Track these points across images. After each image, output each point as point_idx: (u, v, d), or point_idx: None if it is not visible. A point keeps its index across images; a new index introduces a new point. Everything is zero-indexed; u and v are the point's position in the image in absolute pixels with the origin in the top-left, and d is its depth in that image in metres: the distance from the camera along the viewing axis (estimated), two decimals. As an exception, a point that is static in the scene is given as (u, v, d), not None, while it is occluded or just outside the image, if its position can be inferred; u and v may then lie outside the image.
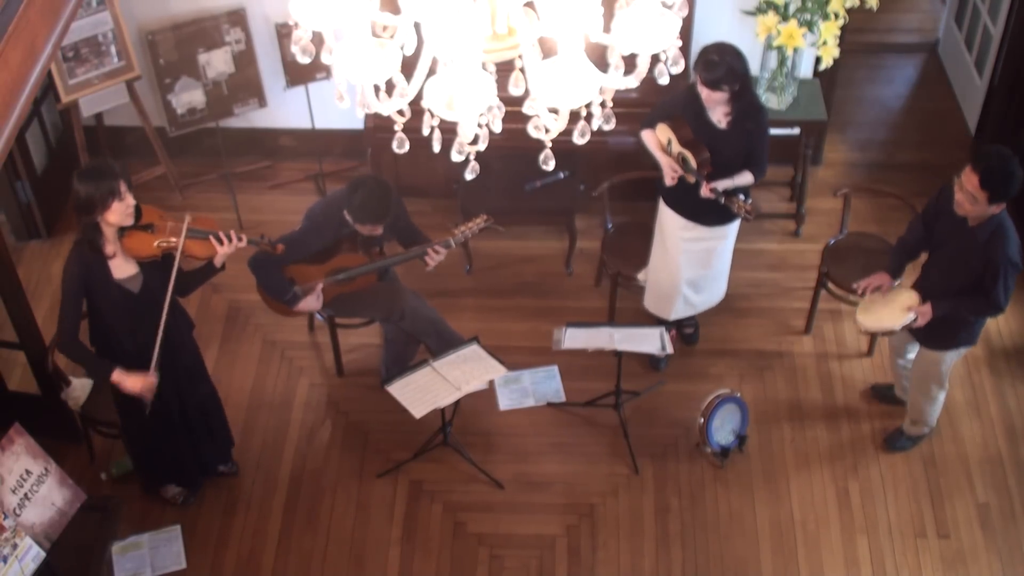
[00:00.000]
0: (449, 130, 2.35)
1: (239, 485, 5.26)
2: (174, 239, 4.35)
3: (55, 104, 6.09)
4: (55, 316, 4.43)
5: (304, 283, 5.09)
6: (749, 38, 5.60)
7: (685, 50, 5.53)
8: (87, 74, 5.86)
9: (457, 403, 5.08)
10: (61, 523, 4.43)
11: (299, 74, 6.11)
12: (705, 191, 4.86)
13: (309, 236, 5.03)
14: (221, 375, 5.63)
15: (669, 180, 4.98)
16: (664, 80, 2.37)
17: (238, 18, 6.01)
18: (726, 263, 5.46)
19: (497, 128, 2.43)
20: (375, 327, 5.66)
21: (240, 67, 6.11)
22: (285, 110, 6.46)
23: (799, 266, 6.15)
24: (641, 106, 5.47)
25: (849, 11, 5.51)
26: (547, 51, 2.30)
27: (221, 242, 4.45)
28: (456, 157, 2.44)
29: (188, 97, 6.06)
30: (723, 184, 4.88)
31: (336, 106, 2.49)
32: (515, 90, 2.30)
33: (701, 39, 5.12)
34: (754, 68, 5.47)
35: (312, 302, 5.10)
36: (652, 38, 2.28)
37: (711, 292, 5.53)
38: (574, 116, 2.36)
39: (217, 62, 6.05)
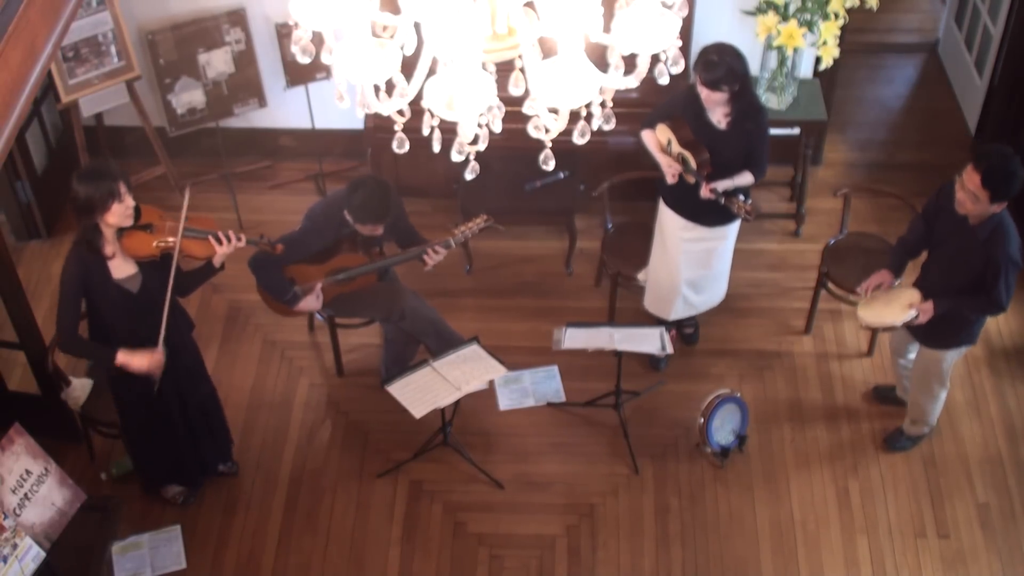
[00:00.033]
0: (449, 130, 2.35)
1: (239, 485, 5.26)
2: (172, 239, 4.35)
3: (55, 104, 6.09)
4: (55, 316, 4.42)
5: (304, 283, 5.09)
6: (749, 38, 5.60)
7: (685, 50, 5.53)
8: (87, 74, 5.86)
9: (457, 403, 5.08)
10: (61, 523, 4.43)
11: (299, 74, 6.11)
12: (705, 192, 4.86)
13: (309, 236, 5.03)
14: (221, 375, 5.63)
15: (670, 178, 4.98)
16: (664, 80, 2.37)
17: (238, 18, 6.01)
18: (726, 264, 5.45)
19: (497, 128, 2.43)
20: (375, 327, 5.66)
21: (240, 67, 6.11)
22: (285, 110, 6.46)
23: (799, 266, 6.15)
24: (641, 106, 5.47)
25: (849, 11, 5.51)
26: (547, 51, 2.30)
27: (220, 242, 4.45)
28: (456, 157, 2.44)
29: (188, 97, 6.07)
30: (723, 184, 4.88)
31: (336, 106, 2.49)
32: (515, 90, 2.30)
33: (701, 39, 5.12)
34: (754, 68, 5.48)
35: (312, 302, 5.10)
36: (652, 38, 2.28)
37: (711, 293, 5.53)
38: (574, 116, 2.36)
39: (217, 62, 6.05)
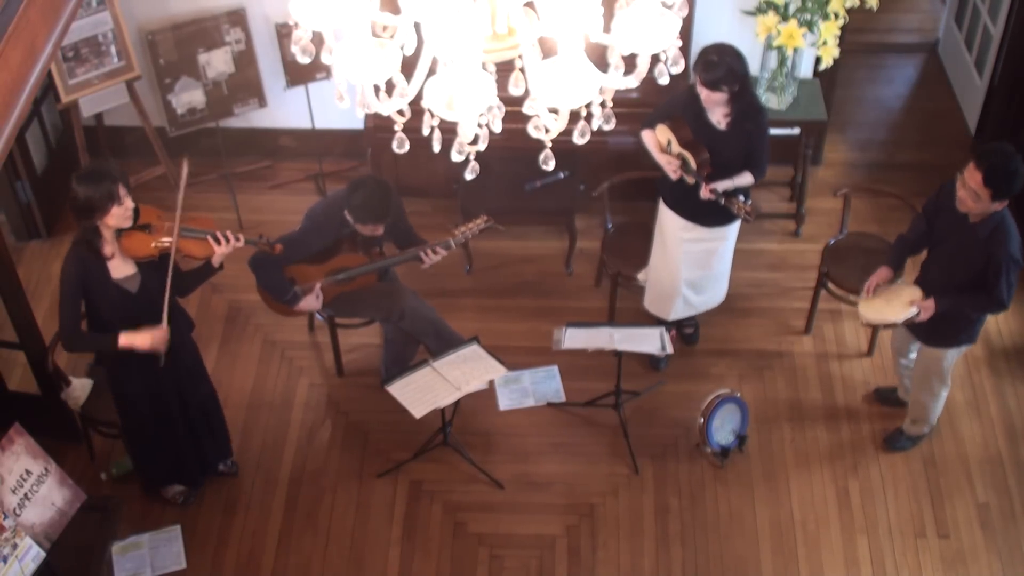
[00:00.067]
0: (449, 130, 2.35)
1: (239, 485, 5.26)
2: (171, 239, 4.35)
3: (55, 104, 6.09)
4: (55, 316, 4.42)
5: (304, 283, 5.09)
6: (749, 38, 5.61)
7: (685, 50, 5.53)
8: (87, 74, 5.86)
9: (457, 403, 5.08)
10: (61, 523, 4.43)
11: (299, 74, 6.11)
12: (705, 192, 4.86)
13: (309, 236, 5.03)
14: (221, 375, 5.63)
15: (672, 174, 4.97)
16: (664, 80, 2.37)
17: (238, 18, 6.01)
18: (727, 264, 5.45)
19: (497, 128, 2.43)
20: (375, 327, 5.66)
21: (240, 67, 6.11)
22: (285, 110, 6.46)
23: (799, 266, 6.15)
24: (641, 106, 5.47)
25: (849, 11, 5.51)
26: (547, 51, 2.29)
27: (219, 242, 4.45)
28: (456, 157, 2.44)
29: (188, 97, 6.07)
30: (723, 185, 4.88)
31: (336, 106, 2.49)
32: (515, 90, 2.30)
33: (701, 39, 5.12)
34: (754, 68, 5.48)
35: (312, 302, 5.11)
36: (652, 38, 2.28)
37: (711, 293, 5.53)
38: (574, 116, 2.36)
39: (217, 62, 6.05)
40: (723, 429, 5.25)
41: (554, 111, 2.35)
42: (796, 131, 6.17)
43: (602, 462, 5.33)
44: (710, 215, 5.08)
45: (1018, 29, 6.25)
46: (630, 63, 2.34)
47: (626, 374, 5.39)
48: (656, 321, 5.56)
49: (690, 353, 5.76)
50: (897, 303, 4.74)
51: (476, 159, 2.49)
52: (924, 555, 4.95)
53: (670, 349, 5.07)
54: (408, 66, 2.31)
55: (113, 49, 5.89)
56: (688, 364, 5.70)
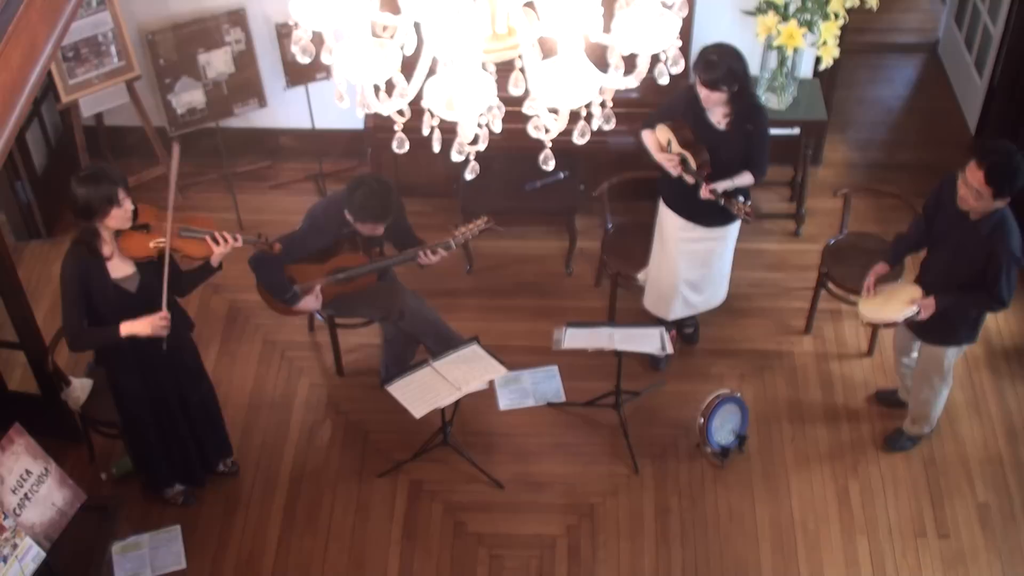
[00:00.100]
0: (449, 130, 2.35)
1: (239, 485, 5.26)
2: (166, 239, 4.36)
3: (55, 104, 6.09)
4: (55, 316, 4.42)
5: (304, 282, 5.09)
6: (749, 38, 5.60)
7: (685, 50, 5.53)
8: (87, 74, 5.86)
9: (457, 403, 5.08)
10: (61, 523, 4.43)
11: (299, 74, 6.11)
12: (704, 192, 4.86)
13: (309, 236, 5.03)
14: (221, 375, 5.64)
15: (674, 172, 4.96)
16: (664, 80, 2.37)
17: (238, 18, 6.01)
18: (727, 264, 5.45)
19: (497, 128, 2.43)
20: (375, 327, 5.66)
21: (240, 67, 6.11)
22: (285, 110, 6.46)
23: (799, 266, 6.15)
24: (641, 106, 5.47)
25: (849, 11, 5.52)
26: (547, 51, 2.29)
27: (217, 242, 4.45)
28: (456, 157, 2.43)
29: (188, 97, 6.07)
30: (722, 185, 4.88)
31: (336, 106, 2.49)
32: (515, 90, 2.30)
33: (701, 39, 5.12)
34: (754, 68, 5.48)
35: (311, 301, 5.11)
36: (652, 38, 2.28)
37: (711, 293, 5.53)
38: (574, 116, 2.36)
39: (217, 62, 6.05)
40: (723, 429, 5.25)
41: (554, 111, 2.35)
42: (796, 131, 6.16)
43: (602, 462, 5.33)
44: (710, 215, 5.08)
45: (1018, 29, 6.25)
46: (630, 63, 2.34)
47: (626, 374, 5.38)
48: (656, 321, 5.56)
49: (690, 353, 5.76)
50: (897, 302, 4.73)
51: (476, 159, 2.49)
52: (924, 555, 4.95)
53: (670, 349, 5.07)
54: (408, 66, 2.30)
55: (113, 49, 5.89)
56: (688, 364, 5.70)
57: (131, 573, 4.92)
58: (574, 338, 5.05)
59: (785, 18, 5.50)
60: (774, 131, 5.18)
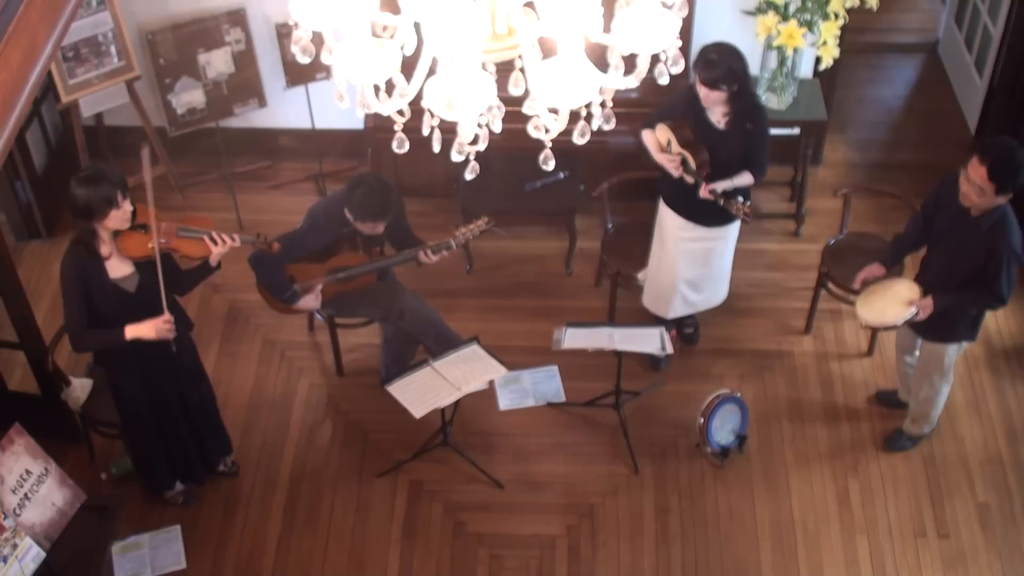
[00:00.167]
0: (449, 130, 2.35)
1: (239, 485, 5.26)
2: (167, 239, 4.36)
3: (55, 104, 6.09)
4: (55, 316, 4.43)
5: (304, 281, 5.09)
6: (749, 38, 5.60)
7: (685, 50, 5.53)
8: (87, 74, 5.86)
9: (457, 403, 5.08)
10: (61, 523, 4.43)
11: (299, 74, 6.11)
12: (704, 192, 4.86)
13: (309, 235, 5.03)
14: (221, 375, 5.64)
15: (675, 173, 4.96)
16: (664, 80, 2.37)
17: (238, 18, 6.01)
18: (727, 264, 5.45)
19: (497, 128, 2.43)
20: (375, 327, 5.66)
21: (240, 67, 6.11)
22: (285, 110, 6.46)
23: (799, 266, 6.15)
24: (641, 106, 5.47)
25: (849, 11, 5.52)
26: (547, 51, 2.29)
27: (215, 242, 4.45)
28: (456, 157, 2.43)
29: (188, 97, 6.07)
30: (722, 185, 4.88)
31: (336, 106, 2.49)
32: (515, 90, 2.30)
33: (701, 39, 5.12)
34: (754, 68, 5.48)
35: (311, 300, 5.11)
36: (652, 38, 2.28)
37: (711, 292, 5.53)
38: (574, 116, 2.36)
39: (217, 62, 6.05)
40: (723, 429, 5.25)
41: (554, 111, 2.35)
42: (796, 131, 6.17)
43: (602, 462, 5.33)
44: (709, 215, 5.08)
45: (1018, 29, 6.25)
46: (630, 63, 2.34)
47: (626, 374, 5.38)
48: (655, 320, 5.56)
49: (690, 353, 5.76)
50: (896, 304, 4.73)
51: (476, 159, 2.49)
52: (924, 555, 4.95)
53: (670, 349, 5.07)
54: (408, 66, 2.30)
55: (113, 49, 5.89)
56: (688, 364, 5.71)
57: (131, 573, 4.92)
58: (574, 338, 5.05)
59: (785, 18, 5.50)
60: (774, 131, 5.18)
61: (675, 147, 4.95)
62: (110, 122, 6.46)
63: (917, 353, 5.11)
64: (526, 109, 2.35)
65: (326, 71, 6.06)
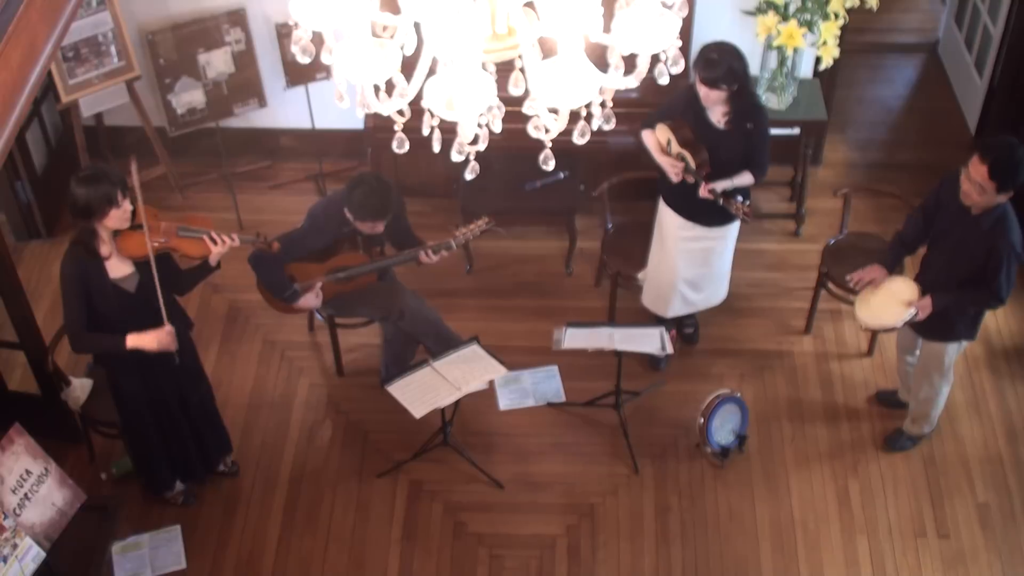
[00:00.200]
0: (449, 130, 2.35)
1: (239, 485, 5.26)
2: (167, 239, 4.36)
3: (55, 104, 6.09)
4: (55, 316, 4.43)
5: (304, 281, 5.09)
6: (749, 38, 5.60)
7: (685, 50, 5.53)
8: (87, 74, 5.86)
9: (457, 403, 5.08)
10: (61, 523, 4.43)
11: (299, 74, 6.11)
12: (703, 192, 4.86)
13: (309, 234, 5.03)
14: (221, 375, 5.64)
15: (675, 177, 4.97)
16: (664, 80, 2.37)
17: (238, 18, 6.01)
18: (726, 263, 5.45)
19: (497, 128, 2.43)
20: (375, 327, 5.66)
21: (240, 67, 6.11)
22: (285, 110, 6.46)
23: (799, 266, 6.15)
24: (641, 106, 5.47)
25: (849, 11, 5.52)
26: (547, 51, 2.29)
27: (215, 242, 4.45)
28: (456, 157, 2.43)
29: (188, 97, 6.07)
30: (722, 185, 4.88)
31: (336, 106, 2.49)
32: (515, 90, 2.30)
33: (701, 39, 5.11)
34: (754, 68, 5.48)
35: (311, 300, 5.11)
36: (652, 38, 2.28)
37: (711, 292, 5.53)
38: (574, 116, 2.36)
39: (217, 62, 6.05)
40: (723, 429, 5.25)
41: (554, 111, 2.35)
42: (796, 131, 6.17)
43: (602, 462, 5.33)
44: (709, 214, 5.08)
45: (1018, 29, 6.25)
46: (630, 63, 2.34)
47: (626, 374, 5.38)
48: (655, 319, 5.56)
49: (690, 353, 5.76)
50: (894, 305, 4.74)
51: (476, 159, 2.49)
52: (924, 555, 4.95)
53: (670, 349, 5.07)
54: (408, 66, 2.30)
55: (113, 49, 5.89)
56: (688, 364, 5.71)
57: (131, 573, 4.92)
58: (574, 338, 5.05)
59: (785, 18, 5.50)
60: (774, 131, 5.18)
61: (675, 147, 4.95)
62: (110, 122, 6.46)
63: (918, 353, 5.11)
64: (526, 109, 2.35)
65: (326, 71, 6.06)
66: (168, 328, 4.39)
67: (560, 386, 5.61)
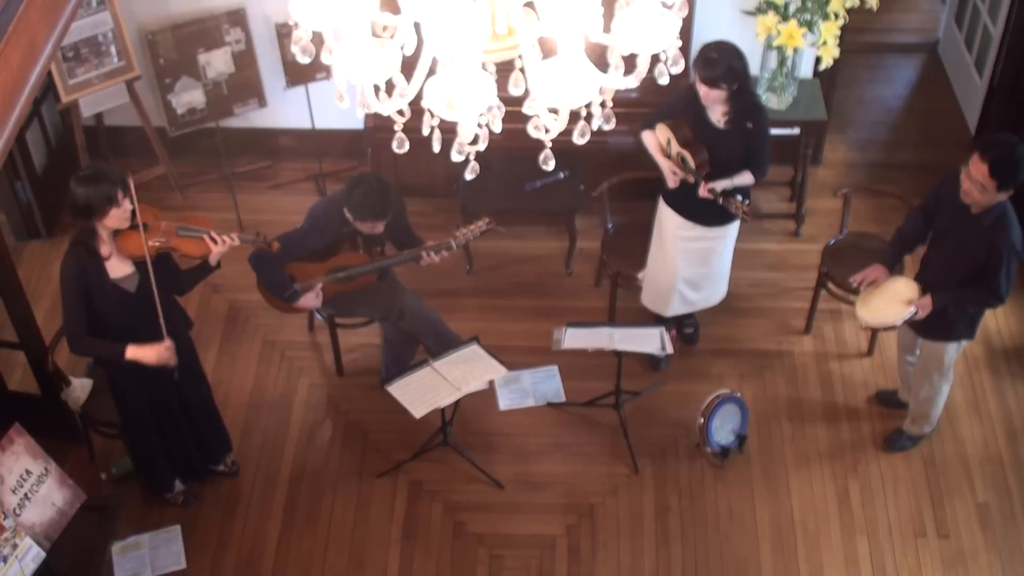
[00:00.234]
0: (449, 130, 2.35)
1: (239, 485, 5.26)
2: (167, 239, 4.36)
3: (55, 104, 6.09)
4: (55, 316, 4.43)
5: (304, 280, 5.09)
6: (749, 38, 5.60)
7: (685, 50, 5.53)
8: (87, 74, 5.86)
9: (457, 403, 5.08)
10: (61, 523, 4.44)
11: (299, 74, 6.11)
12: (703, 191, 4.86)
13: (309, 234, 5.03)
14: (221, 375, 5.64)
15: (672, 183, 4.98)
16: (664, 80, 2.37)
17: (238, 18, 6.01)
18: (726, 263, 5.45)
19: (497, 128, 2.43)
20: (375, 327, 5.66)
21: (240, 67, 6.11)
22: (285, 110, 6.46)
23: (799, 266, 6.15)
24: (641, 106, 5.47)
25: (849, 11, 5.52)
26: (547, 51, 2.29)
27: (215, 241, 4.46)
28: (456, 157, 2.43)
29: (188, 97, 6.07)
30: (721, 184, 4.88)
31: (336, 106, 2.49)
32: (515, 90, 2.30)
33: (701, 39, 5.11)
34: (754, 68, 5.48)
35: (311, 300, 5.11)
36: (652, 38, 2.28)
37: (710, 291, 5.53)
38: (574, 116, 2.36)
39: (217, 62, 6.05)
40: (723, 429, 5.25)
41: (554, 111, 2.35)
42: (796, 131, 6.17)
43: (602, 462, 5.33)
44: (709, 214, 5.08)
45: (1018, 29, 6.25)
46: (630, 63, 2.34)
47: (626, 374, 5.38)
48: (655, 318, 5.56)
49: (690, 353, 5.76)
50: (894, 303, 4.74)
51: (476, 159, 2.49)
52: (924, 555, 4.95)
53: (670, 349, 5.07)
54: (408, 66, 2.30)
55: (113, 49, 5.89)
56: (688, 364, 5.70)
57: (131, 573, 4.92)
58: (574, 338, 5.05)
59: (785, 18, 5.50)
60: (774, 131, 5.18)
61: (675, 147, 4.95)
62: (110, 122, 6.46)
63: (919, 352, 5.11)
64: (526, 109, 2.35)
65: (326, 71, 6.06)
66: (168, 343, 4.40)
67: (560, 386, 5.61)
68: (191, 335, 4.81)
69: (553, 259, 6.26)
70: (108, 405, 4.84)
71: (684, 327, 5.76)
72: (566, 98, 2.26)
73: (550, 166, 2.46)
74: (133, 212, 4.26)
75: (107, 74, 5.92)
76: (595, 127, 2.40)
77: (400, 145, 2.45)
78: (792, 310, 5.94)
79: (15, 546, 4.11)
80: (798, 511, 5.12)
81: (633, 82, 2.35)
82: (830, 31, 5.46)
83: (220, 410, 5.11)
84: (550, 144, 2.42)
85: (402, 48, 2.35)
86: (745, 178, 4.96)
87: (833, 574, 4.90)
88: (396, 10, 2.35)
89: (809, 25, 5.51)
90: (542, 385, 5.63)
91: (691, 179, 4.93)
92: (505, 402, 5.56)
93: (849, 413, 5.50)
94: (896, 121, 7.16)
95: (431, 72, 2.33)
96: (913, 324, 4.87)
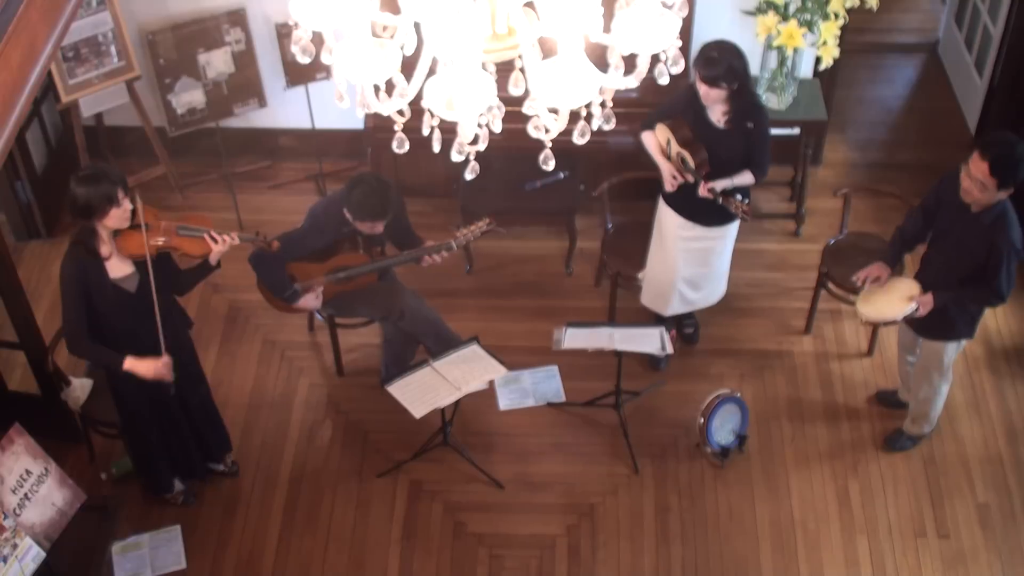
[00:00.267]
0: (449, 130, 2.35)
1: (239, 485, 5.26)
2: (167, 239, 4.36)
3: (55, 104, 6.09)
4: (55, 316, 4.43)
5: (304, 280, 5.09)
6: (749, 38, 5.60)
7: (685, 50, 5.53)
8: (87, 74, 5.86)
9: (457, 403, 5.08)
10: (61, 523, 4.44)
11: (299, 74, 6.11)
12: (703, 191, 4.86)
13: (309, 234, 5.03)
14: (221, 375, 5.64)
15: (669, 187, 4.98)
16: (664, 80, 2.37)
17: (238, 18, 6.01)
18: (725, 263, 5.45)
19: (497, 128, 2.43)
20: (375, 327, 5.66)
21: (240, 67, 6.11)
22: (285, 110, 6.46)
23: (799, 266, 6.15)
24: (641, 106, 5.47)
25: (849, 11, 5.52)
26: (547, 51, 2.29)
27: (215, 241, 4.46)
28: (456, 157, 2.43)
29: (188, 97, 6.07)
30: (721, 184, 4.88)
31: (336, 106, 2.49)
32: (515, 90, 2.30)
33: (701, 39, 5.11)
34: (754, 68, 5.48)
35: (311, 300, 5.11)
36: (652, 38, 2.28)
37: (709, 290, 5.53)
38: (574, 116, 2.36)
39: (217, 62, 6.05)
40: (723, 429, 5.25)
41: (554, 111, 2.35)
42: (796, 131, 6.17)
43: (602, 462, 5.33)
44: (709, 214, 5.08)
45: (1018, 29, 6.25)
46: (630, 63, 2.34)
47: (626, 374, 5.39)
48: (654, 317, 5.56)
49: (690, 353, 5.76)
50: (895, 300, 4.74)
51: (476, 159, 2.49)
52: (924, 555, 4.95)
53: (670, 349, 5.07)
54: (408, 66, 2.30)
55: (113, 49, 5.89)
56: (688, 364, 5.71)
57: (131, 573, 4.92)
58: (574, 338, 5.05)
59: (785, 18, 5.50)
60: (774, 131, 5.18)
61: (674, 147, 4.95)
62: (110, 122, 6.46)
63: (919, 352, 5.11)
64: (526, 109, 2.35)
65: (326, 71, 6.06)
66: (166, 359, 4.40)
67: (560, 386, 5.61)
68: (191, 335, 4.81)
69: (553, 259, 6.26)
70: (108, 405, 4.84)
71: (684, 327, 5.76)
72: (566, 98, 2.26)
73: (550, 166, 2.47)
74: (133, 212, 4.26)
75: (107, 74, 5.92)
76: (595, 127, 2.40)
77: (400, 145, 2.45)
78: (792, 310, 5.94)
79: (15, 546, 4.12)
80: (798, 511, 5.12)
81: (633, 82, 2.35)
82: (830, 31, 5.46)
83: (220, 410, 5.12)
84: (550, 144, 2.42)
85: (402, 48, 2.35)
86: (745, 178, 4.96)
87: (833, 574, 4.90)
88: (396, 10, 2.35)
89: (809, 25, 5.51)
90: (542, 385, 5.63)
91: (691, 179, 4.93)
92: (505, 402, 5.56)
93: (849, 413, 5.50)
94: (896, 121, 7.16)
95: (431, 72, 2.33)
96: (913, 323, 4.87)
